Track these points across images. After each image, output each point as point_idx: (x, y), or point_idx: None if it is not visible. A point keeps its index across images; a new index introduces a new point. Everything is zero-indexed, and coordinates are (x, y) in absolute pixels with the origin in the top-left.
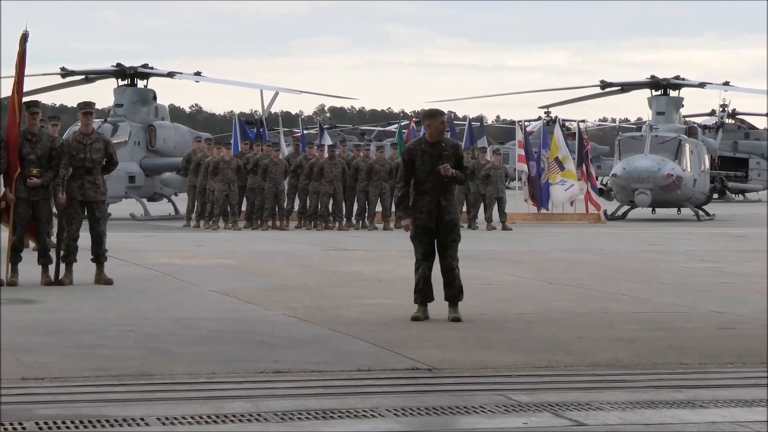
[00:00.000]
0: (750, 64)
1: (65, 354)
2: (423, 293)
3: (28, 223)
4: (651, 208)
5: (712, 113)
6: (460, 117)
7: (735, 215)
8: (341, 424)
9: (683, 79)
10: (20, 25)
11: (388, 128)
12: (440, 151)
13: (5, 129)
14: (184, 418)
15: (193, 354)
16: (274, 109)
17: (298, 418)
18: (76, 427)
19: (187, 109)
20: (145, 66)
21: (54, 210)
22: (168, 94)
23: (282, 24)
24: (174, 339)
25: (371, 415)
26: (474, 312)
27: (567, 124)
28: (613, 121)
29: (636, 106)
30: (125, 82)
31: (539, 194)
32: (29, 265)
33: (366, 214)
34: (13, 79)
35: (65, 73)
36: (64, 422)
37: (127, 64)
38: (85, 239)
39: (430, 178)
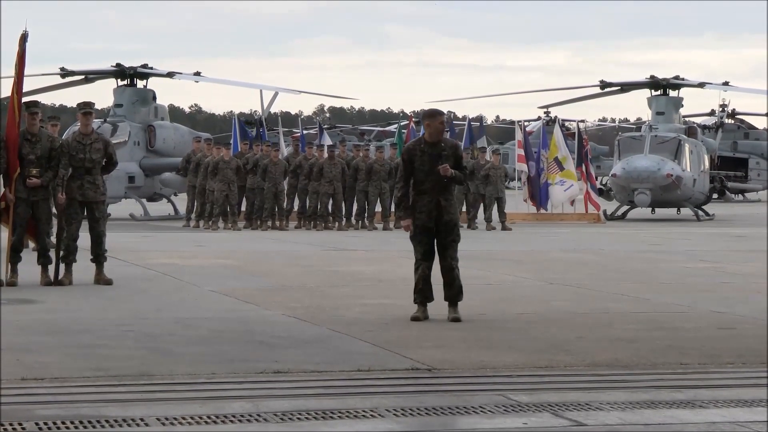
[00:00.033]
0: (750, 64)
1: (65, 354)
2: (423, 293)
3: (27, 224)
4: (651, 208)
5: (712, 113)
6: (460, 117)
7: (735, 215)
8: (341, 425)
9: (683, 79)
10: (20, 25)
11: (387, 128)
12: (439, 151)
13: (5, 129)
14: (184, 418)
15: (193, 354)
16: (273, 109)
17: (298, 418)
18: (76, 428)
19: (187, 109)
20: (144, 66)
21: (54, 210)
22: (167, 94)
23: (282, 24)
24: (174, 339)
25: (371, 415)
26: (474, 312)
27: (567, 124)
28: (613, 121)
29: (636, 106)
30: (125, 82)
31: (538, 194)
32: (29, 265)
33: (366, 214)
34: (12, 79)
35: (65, 73)
36: (64, 422)
37: (127, 64)
38: (84, 239)
39: (430, 178)
